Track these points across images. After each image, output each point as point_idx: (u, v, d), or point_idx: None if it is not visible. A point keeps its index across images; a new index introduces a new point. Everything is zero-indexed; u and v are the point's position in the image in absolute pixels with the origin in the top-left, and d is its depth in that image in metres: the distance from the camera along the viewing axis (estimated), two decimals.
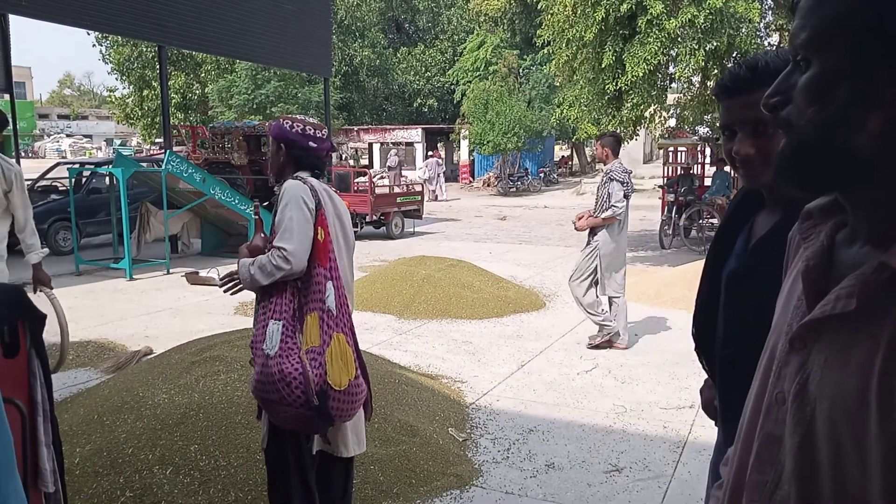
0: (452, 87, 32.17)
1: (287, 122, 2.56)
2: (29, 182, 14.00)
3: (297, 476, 2.49)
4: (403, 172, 25.30)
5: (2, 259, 3.95)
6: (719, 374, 1.62)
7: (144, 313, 7.35)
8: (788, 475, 0.72)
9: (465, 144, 29.90)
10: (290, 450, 2.49)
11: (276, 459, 2.52)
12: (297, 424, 2.41)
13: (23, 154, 21.46)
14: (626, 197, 5.71)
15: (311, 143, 2.53)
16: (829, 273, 0.75)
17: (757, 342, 1.43)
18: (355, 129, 31.60)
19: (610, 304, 6.04)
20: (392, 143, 30.13)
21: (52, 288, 3.81)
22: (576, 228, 6.02)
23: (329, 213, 2.53)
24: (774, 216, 1.51)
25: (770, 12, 10.12)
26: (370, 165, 29.18)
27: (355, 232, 2.79)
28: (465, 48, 32.21)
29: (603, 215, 5.72)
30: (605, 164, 5.90)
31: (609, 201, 5.68)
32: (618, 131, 10.38)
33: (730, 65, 9.90)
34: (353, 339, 2.48)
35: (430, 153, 27.22)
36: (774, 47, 9.87)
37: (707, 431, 4.05)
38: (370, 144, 32.08)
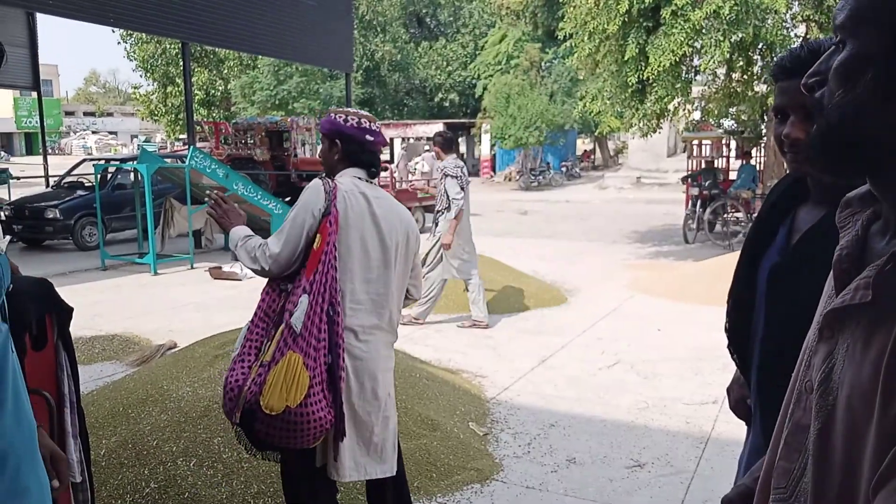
0: (474, 81, 32.12)
1: (340, 116, 2.38)
2: (56, 178, 14.25)
3: (303, 483, 2.40)
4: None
5: None
6: (759, 372, 1.56)
7: (169, 307, 7.44)
8: (810, 462, 0.73)
9: (486, 139, 29.82)
10: (295, 457, 2.35)
11: (284, 465, 2.46)
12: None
13: (49, 151, 21.79)
14: (462, 188, 6.14)
15: (367, 137, 2.37)
16: (862, 263, 0.74)
17: (802, 337, 1.39)
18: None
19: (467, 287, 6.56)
20: (413, 138, 30.13)
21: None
22: (445, 246, 6.34)
23: (355, 218, 2.31)
24: (820, 210, 1.46)
25: (796, 3, 9.93)
26: (391, 160, 29.25)
27: None
28: (486, 42, 32.13)
29: (451, 216, 6.16)
30: (440, 162, 6.40)
31: (448, 197, 6.16)
32: (641, 124, 10.31)
33: (755, 56, 9.77)
34: (318, 362, 2.18)
35: (426, 147, 27.11)
36: (801, 38, 9.70)
37: (731, 427, 4.00)
38: (391, 140, 32.12)
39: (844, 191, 0.81)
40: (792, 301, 1.44)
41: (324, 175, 2.46)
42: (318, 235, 2.24)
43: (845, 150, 0.71)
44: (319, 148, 2.52)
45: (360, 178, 2.39)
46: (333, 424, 2.22)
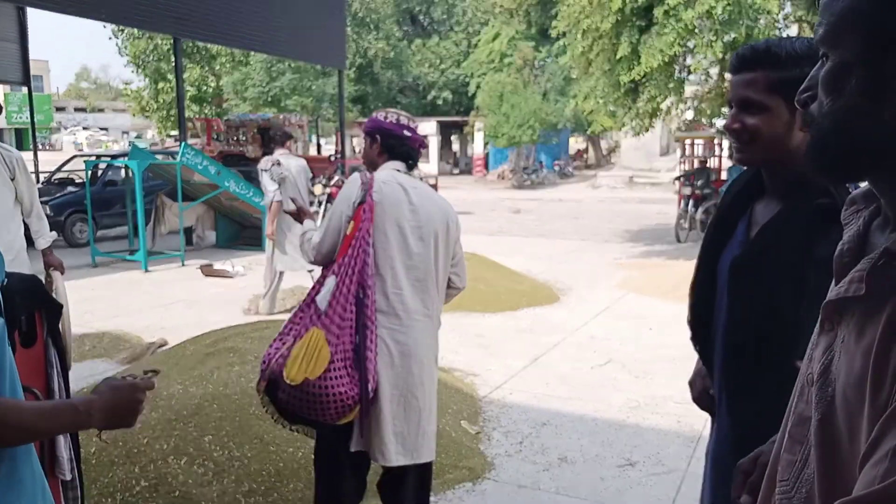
0: (467, 79, 32.06)
1: (381, 114, 2.59)
2: (46, 174, 14.17)
3: (327, 465, 2.48)
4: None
5: (22, 249, 3.90)
6: (725, 361, 1.63)
7: (159, 305, 7.40)
8: (812, 452, 0.75)
9: (479, 137, 29.82)
10: (324, 437, 2.46)
11: (317, 442, 2.55)
12: None
13: (40, 147, 21.69)
14: (275, 181, 6.50)
15: (405, 132, 2.54)
16: (862, 257, 0.77)
17: (766, 327, 1.47)
18: None
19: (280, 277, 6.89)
20: None
21: (63, 272, 3.78)
22: (270, 237, 6.77)
23: (392, 206, 2.40)
24: (776, 204, 1.55)
25: (788, 3, 9.97)
26: None
27: None
28: (479, 40, 32.08)
29: (264, 203, 6.65)
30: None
31: (267, 190, 6.64)
32: (633, 124, 10.34)
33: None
34: (342, 340, 2.27)
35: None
36: None
37: None
38: None
39: (797, 185, 0.83)
40: (753, 292, 1.52)
41: (363, 169, 2.61)
42: (351, 222, 2.39)
43: (838, 155, 0.75)
44: (363, 148, 2.69)
45: (398, 171, 2.53)
46: (360, 402, 2.30)
